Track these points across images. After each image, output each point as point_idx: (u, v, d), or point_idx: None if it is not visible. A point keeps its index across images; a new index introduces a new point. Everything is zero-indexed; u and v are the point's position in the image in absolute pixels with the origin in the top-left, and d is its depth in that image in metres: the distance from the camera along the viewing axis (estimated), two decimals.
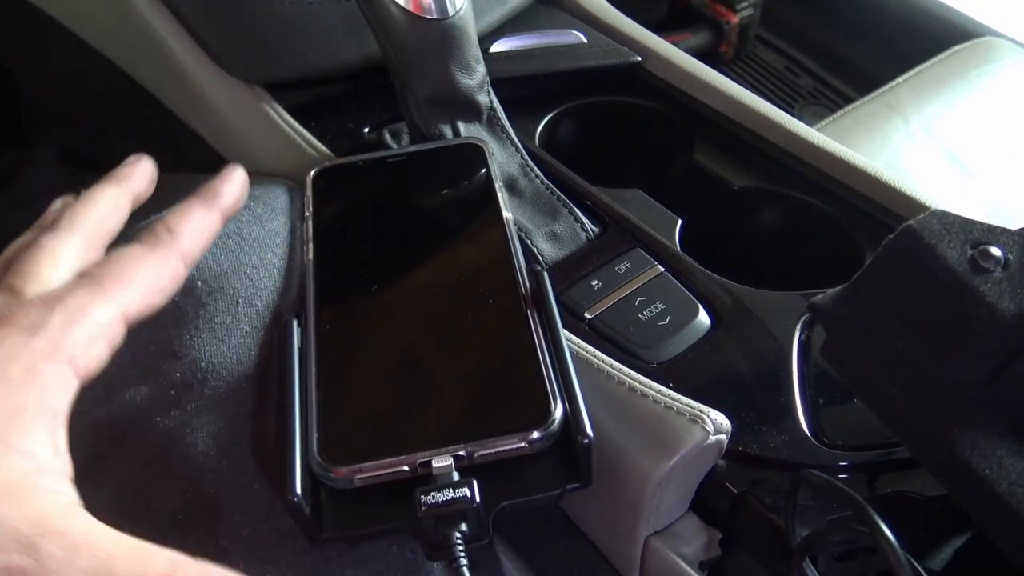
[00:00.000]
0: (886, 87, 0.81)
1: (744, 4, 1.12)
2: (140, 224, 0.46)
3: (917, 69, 0.83)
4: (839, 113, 0.79)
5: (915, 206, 0.46)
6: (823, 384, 0.39)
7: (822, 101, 1.11)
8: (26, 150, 0.73)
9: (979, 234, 0.29)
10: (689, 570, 0.36)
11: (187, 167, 0.57)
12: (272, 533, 0.34)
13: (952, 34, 0.94)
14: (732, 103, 0.53)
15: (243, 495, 0.34)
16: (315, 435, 0.33)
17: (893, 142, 0.74)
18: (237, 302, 0.39)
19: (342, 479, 0.32)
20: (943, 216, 0.29)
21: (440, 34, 0.44)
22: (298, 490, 0.31)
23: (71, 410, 0.37)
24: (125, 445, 0.35)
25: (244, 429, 0.36)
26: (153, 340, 0.37)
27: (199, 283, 0.39)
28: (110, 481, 0.35)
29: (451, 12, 0.44)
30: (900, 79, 0.82)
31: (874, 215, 0.48)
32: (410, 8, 0.43)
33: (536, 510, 0.43)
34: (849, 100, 0.97)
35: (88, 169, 0.70)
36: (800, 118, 1.08)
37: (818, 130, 0.76)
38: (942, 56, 0.84)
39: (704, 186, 0.53)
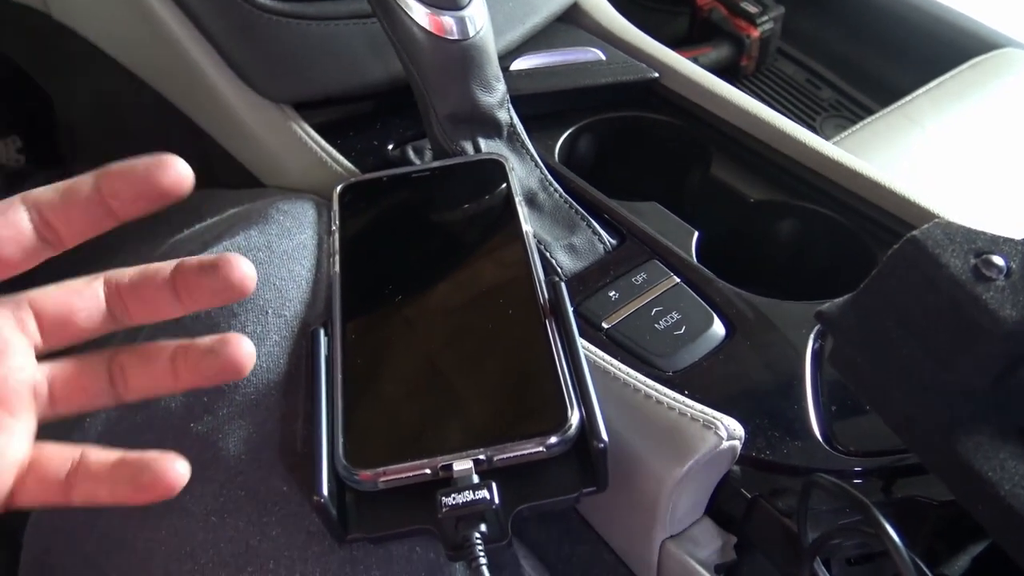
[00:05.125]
0: (905, 99, 0.82)
1: (765, 18, 1.13)
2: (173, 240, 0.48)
3: (937, 81, 0.83)
4: (858, 125, 0.80)
5: (930, 217, 0.47)
6: (836, 391, 0.39)
7: (843, 113, 1.12)
8: (65, 170, 0.76)
9: (982, 243, 0.29)
10: (705, 574, 0.37)
11: (218, 183, 0.59)
12: (300, 534, 0.35)
13: (973, 45, 0.94)
14: (748, 117, 0.54)
15: (273, 497, 0.36)
16: (341, 440, 0.34)
17: (912, 154, 0.75)
18: (267, 312, 0.40)
19: (367, 482, 0.33)
20: (947, 226, 0.30)
21: (461, 54, 0.45)
22: (325, 492, 0.32)
23: (111, 416, 0.39)
24: (161, 449, 0.37)
25: (274, 434, 0.37)
26: None
27: None
28: None
29: (471, 33, 0.45)
30: (920, 91, 0.82)
31: (889, 226, 0.48)
32: (432, 29, 0.44)
33: (555, 515, 0.44)
34: (870, 112, 0.97)
35: None
36: (821, 130, 1.10)
37: (837, 142, 0.77)
38: (962, 68, 0.84)
39: (720, 199, 0.54)
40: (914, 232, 0.30)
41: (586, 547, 0.44)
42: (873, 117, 0.81)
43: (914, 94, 0.82)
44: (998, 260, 0.29)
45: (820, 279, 0.51)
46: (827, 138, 0.79)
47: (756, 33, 1.13)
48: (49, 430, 0.48)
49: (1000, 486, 0.27)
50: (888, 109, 0.81)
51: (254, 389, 0.38)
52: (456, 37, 0.45)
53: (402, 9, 0.44)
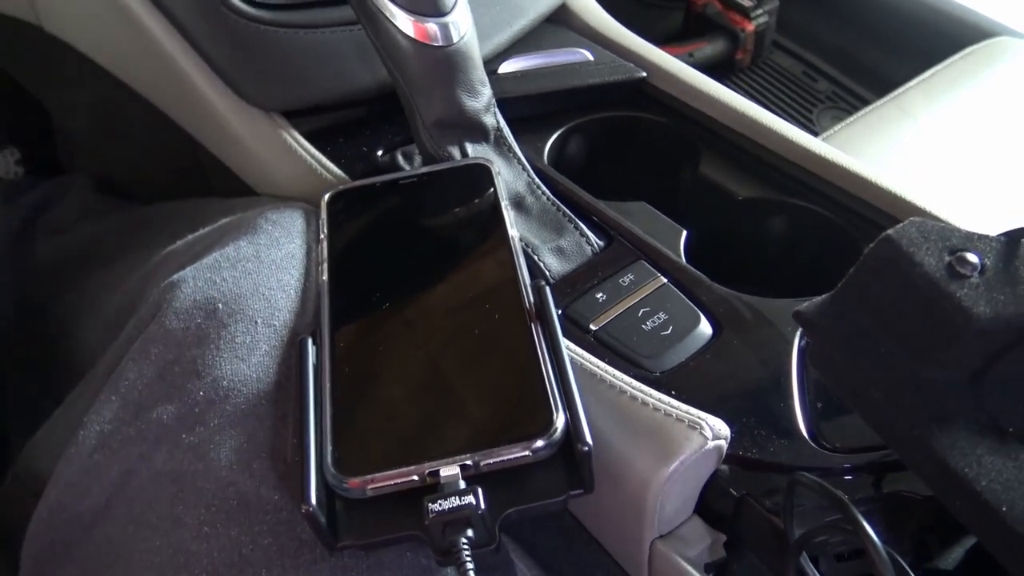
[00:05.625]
0: (898, 91, 0.82)
1: (759, 12, 1.13)
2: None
3: (930, 72, 0.83)
4: (851, 118, 0.80)
5: (919, 213, 0.47)
6: (822, 389, 0.40)
7: (840, 105, 1.12)
8: (63, 179, 0.77)
9: (957, 241, 0.30)
10: (695, 572, 0.37)
11: (212, 192, 0.60)
12: (292, 542, 0.35)
13: (967, 34, 0.94)
14: (736, 115, 0.54)
15: (264, 506, 0.36)
16: (329, 448, 0.35)
17: (904, 146, 0.75)
18: (256, 322, 0.40)
19: (355, 489, 0.34)
20: (922, 224, 0.30)
21: (445, 60, 0.45)
22: (313, 501, 0.33)
23: (104, 428, 0.39)
24: (153, 460, 0.37)
25: (264, 444, 0.37)
26: (177, 361, 0.40)
27: (220, 305, 0.41)
28: (140, 494, 0.37)
29: (455, 39, 0.45)
30: (912, 82, 0.82)
31: (878, 222, 0.48)
32: (416, 36, 0.45)
33: (549, 517, 0.45)
34: (867, 103, 0.97)
35: (120, 195, 0.73)
36: (818, 122, 1.10)
37: (830, 136, 0.77)
38: (954, 57, 0.84)
39: (710, 197, 0.54)
40: (888, 231, 0.30)
41: (581, 547, 0.44)
42: (866, 109, 0.81)
43: (907, 85, 0.82)
44: (972, 257, 0.29)
45: (809, 276, 0.51)
46: (824, 130, 0.79)
47: (751, 27, 1.13)
48: (45, 444, 0.49)
49: (977, 482, 0.27)
50: (881, 101, 0.81)
51: (244, 399, 0.38)
52: (440, 43, 0.45)
53: (386, 17, 0.44)
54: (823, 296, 0.33)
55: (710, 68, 1.12)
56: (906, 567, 0.28)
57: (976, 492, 0.27)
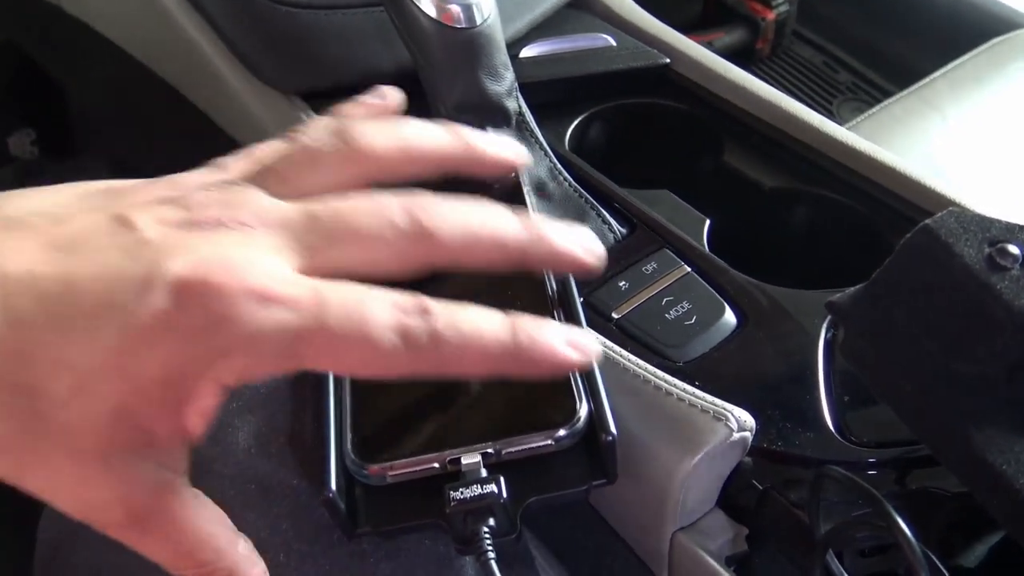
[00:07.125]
0: (923, 82, 0.80)
1: (780, 0, 1.11)
2: None
3: (955, 63, 0.82)
4: (875, 109, 0.78)
5: (947, 204, 0.46)
6: (849, 382, 0.39)
7: (861, 96, 1.10)
8: (78, 160, 0.76)
9: (997, 232, 0.29)
10: (716, 565, 0.37)
11: None
12: (310, 527, 0.35)
13: (993, 25, 0.92)
14: (761, 103, 0.53)
15: (283, 490, 0.36)
16: (349, 434, 0.34)
17: (930, 138, 0.74)
18: None
19: (375, 476, 0.33)
20: (960, 214, 0.29)
21: (468, 42, 0.45)
22: (333, 487, 0.32)
23: None
24: None
25: (283, 428, 0.37)
26: None
27: None
28: None
29: (479, 21, 0.45)
30: (937, 73, 0.81)
31: (905, 213, 0.48)
32: (439, 18, 0.44)
33: (567, 507, 0.44)
34: (888, 95, 0.96)
35: (136, 177, 0.73)
36: (839, 114, 1.08)
37: (853, 127, 0.76)
38: (980, 49, 0.83)
39: (733, 186, 0.53)
40: (927, 221, 0.29)
41: (599, 538, 0.44)
42: (889, 101, 0.80)
43: (931, 76, 0.81)
44: (1013, 249, 0.28)
45: (834, 267, 0.51)
46: (844, 121, 0.78)
47: (771, 15, 1.12)
48: None
49: (1015, 479, 0.27)
50: (904, 93, 0.80)
51: (264, 383, 0.38)
52: (463, 25, 0.44)
53: None
54: (857, 287, 0.32)
55: (729, 58, 1.11)
56: (939, 565, 0.28)
57: (1015, 489, 0.26)
